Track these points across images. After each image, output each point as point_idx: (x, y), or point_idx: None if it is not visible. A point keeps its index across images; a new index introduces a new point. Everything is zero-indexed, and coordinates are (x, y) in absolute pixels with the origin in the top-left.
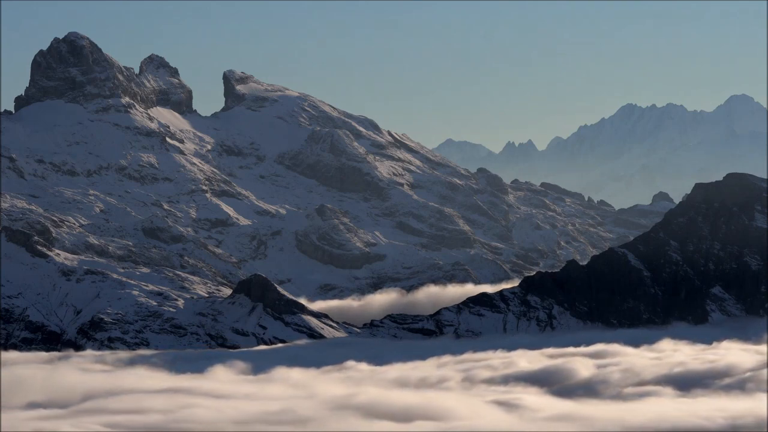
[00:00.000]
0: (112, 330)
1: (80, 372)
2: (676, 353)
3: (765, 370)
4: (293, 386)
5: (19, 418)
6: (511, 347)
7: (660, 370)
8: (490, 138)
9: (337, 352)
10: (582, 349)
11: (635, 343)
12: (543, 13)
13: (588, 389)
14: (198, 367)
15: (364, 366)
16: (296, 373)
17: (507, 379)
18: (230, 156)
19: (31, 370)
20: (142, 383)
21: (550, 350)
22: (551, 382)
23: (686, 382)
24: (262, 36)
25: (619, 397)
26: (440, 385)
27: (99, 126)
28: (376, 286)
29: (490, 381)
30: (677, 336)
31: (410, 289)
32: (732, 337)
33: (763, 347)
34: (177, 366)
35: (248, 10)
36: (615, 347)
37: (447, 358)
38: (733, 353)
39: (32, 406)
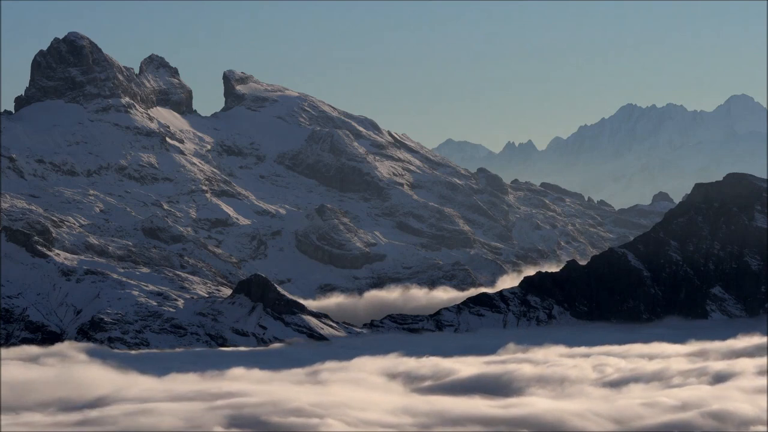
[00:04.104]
0: (112, 330)
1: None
2: (611, 358)
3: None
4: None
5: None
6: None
7: (590, 374)
8: (490, 138)
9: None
10: (523, 354)
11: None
12: (543, 13)
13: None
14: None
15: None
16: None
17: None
18: (230, 156)
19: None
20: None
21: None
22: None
23: (615, 383)
24: (262, 36)
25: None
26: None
27: (99, 126)
28: (376, 286)
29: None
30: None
31: (410, 289)
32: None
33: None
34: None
35: (248, 10)
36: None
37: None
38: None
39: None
